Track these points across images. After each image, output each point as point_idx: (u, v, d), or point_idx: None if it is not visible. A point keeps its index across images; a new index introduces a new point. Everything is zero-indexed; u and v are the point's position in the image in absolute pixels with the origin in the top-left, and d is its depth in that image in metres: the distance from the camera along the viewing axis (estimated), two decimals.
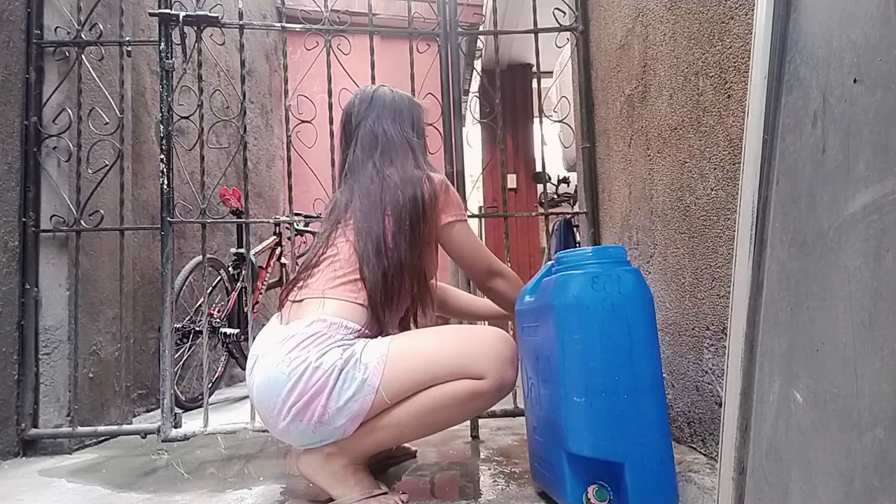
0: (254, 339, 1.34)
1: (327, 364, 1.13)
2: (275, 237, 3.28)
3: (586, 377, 1.03)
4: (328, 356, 1.14)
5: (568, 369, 1.04)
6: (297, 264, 2.05)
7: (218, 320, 2.78)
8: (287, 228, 3.17)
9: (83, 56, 1.96)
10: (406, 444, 1.61)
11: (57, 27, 1.96)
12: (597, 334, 1.03)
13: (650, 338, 1.06)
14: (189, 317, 2.66)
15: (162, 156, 1.85)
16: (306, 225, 2.98)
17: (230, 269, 2.96)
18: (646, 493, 1.01)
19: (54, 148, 1.94)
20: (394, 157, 1.38)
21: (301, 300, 1.25)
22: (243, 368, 3.13)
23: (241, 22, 1.95)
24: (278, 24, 2.04)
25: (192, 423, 1.88)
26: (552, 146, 2.59)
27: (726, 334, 0.84)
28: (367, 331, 1.24)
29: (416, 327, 1.43)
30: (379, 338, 1.23)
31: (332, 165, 1.92)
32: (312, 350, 1.14)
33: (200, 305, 2.63)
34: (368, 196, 1.32)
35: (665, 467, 1.03)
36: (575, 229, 2.89)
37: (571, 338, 1.04)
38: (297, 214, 2.50)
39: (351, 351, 1.16)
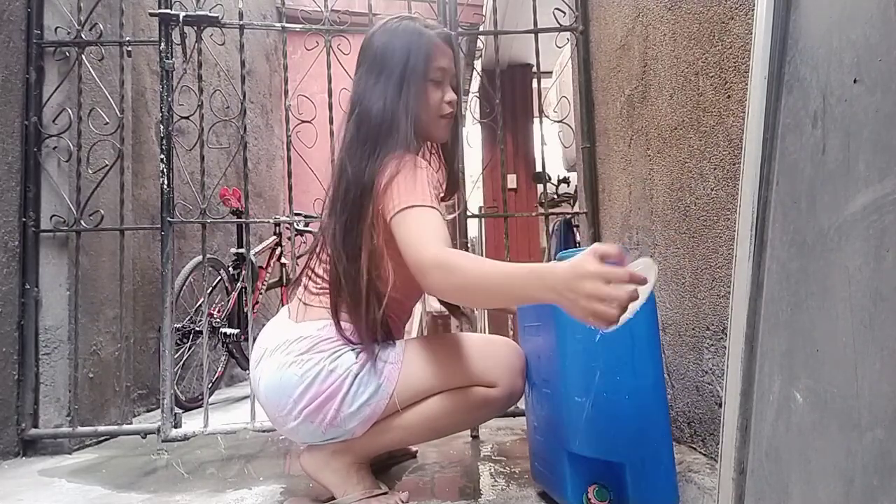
0: (254, 339, 1.33)
1: (342, 368, 1.12)
2: (275, 237, 3.28)
3: (587, 377, 1.03)
4: (343, 359, 1.13)
5: (569, 369, 1.05)
6: (297, 264, 2.05)
7: (218, 320, 2.78)
8: (287, 228, 3.17)
9: (83, 56, 1.96)
10: None
11: (57, 27, 1.96)
12: (598, 334, 1.03)
13: (652, 338, 1.06)
14: (189, 317, 2.66)
15: (162, 156, 1.85)
16: (306, 225, 2.98)
17: (230, 269, 2.96)
18: (646, 494, 1.01)
19: (54, 148, 1.94)
20: (361, 130, 1.16)
21: (308, 303, 1.22)
22: (243, 368, 3.13)
23: (241, 22, 1.95)
24: (278, 24, 2.04)
25: (192, 423, 1.88)
26: (552, 146, 2.59)
27: (726, 334, 0.84)
28: (377, 337, 1.21)
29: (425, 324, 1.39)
30: (394, 342, 1.22)
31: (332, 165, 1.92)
32: (326, 353, 1.13)
33: (200, 305, 2.63)
34: (334, 186, 1.19)
35: (665, 468, 1.03)
36: (575, 229, 2.90)
37: (573, 338, 1.04)
38: (297, 214, 2.49)
39: (365, 355, 1.15)
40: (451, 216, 1.55)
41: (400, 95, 1.16)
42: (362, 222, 1.12)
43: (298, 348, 1.14)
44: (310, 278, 1.25)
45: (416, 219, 1.05)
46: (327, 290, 1.21)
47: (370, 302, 1.13)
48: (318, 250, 1.27)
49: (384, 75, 1.17)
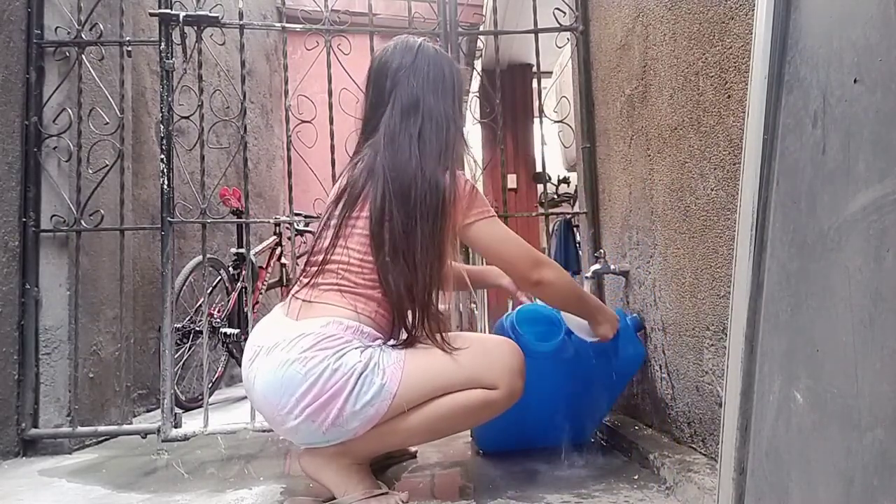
0: None
1: (346, 366, 1.11)
2: (275, 237, 3.28)
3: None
4: (347, 357, 1.12)
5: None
6: (297, 264, 2.05)
7: (218, 320, 2.78)
8: (287, 228, 3.17)
9: (83, 56, 1.96)
10: None
11: (57, 27, 1.96)
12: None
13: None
14: (189, 317, 2.66)
15: (162, 156, 1.86)
16: (306, 225, 2.98)
17: (230, 269, 2.96)
18: None
19: (54, 148, 1.94)
20: (431, 139, 1.25)
21: (311, 301, 1.21)
22: None
23: (241, 22, 1.95)
24: (278, 24, 2.04)
25: (192, 423, 1.88)
26: (552, 146, 2.59)
27: (726, 334, 0.84)
28: (385, 337, 1.22)
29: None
30: (395, 345, 1.22)
31: (333, 165, 1.92)
32: (330, 350, 1.12)
33: (200, 305, 2.63)
34: (396, 179, 1.21)
35: None
36: (575, 229, 2.90)
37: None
38: (297, 214, 2.49)
39: (369, 353, 1.15)
40: None
41: (457, 116, 1.34)
42: (445, 226, 1.23)
43: (301, 345, 1.13)
44: (316, 276, 1.23)
45: (497, 224, 1.30)
46: (340, 288, 1.20)
47: (435, 292, 1.24)
48: (328, 248, 1.24)
49: (443, 93, 1.31)
